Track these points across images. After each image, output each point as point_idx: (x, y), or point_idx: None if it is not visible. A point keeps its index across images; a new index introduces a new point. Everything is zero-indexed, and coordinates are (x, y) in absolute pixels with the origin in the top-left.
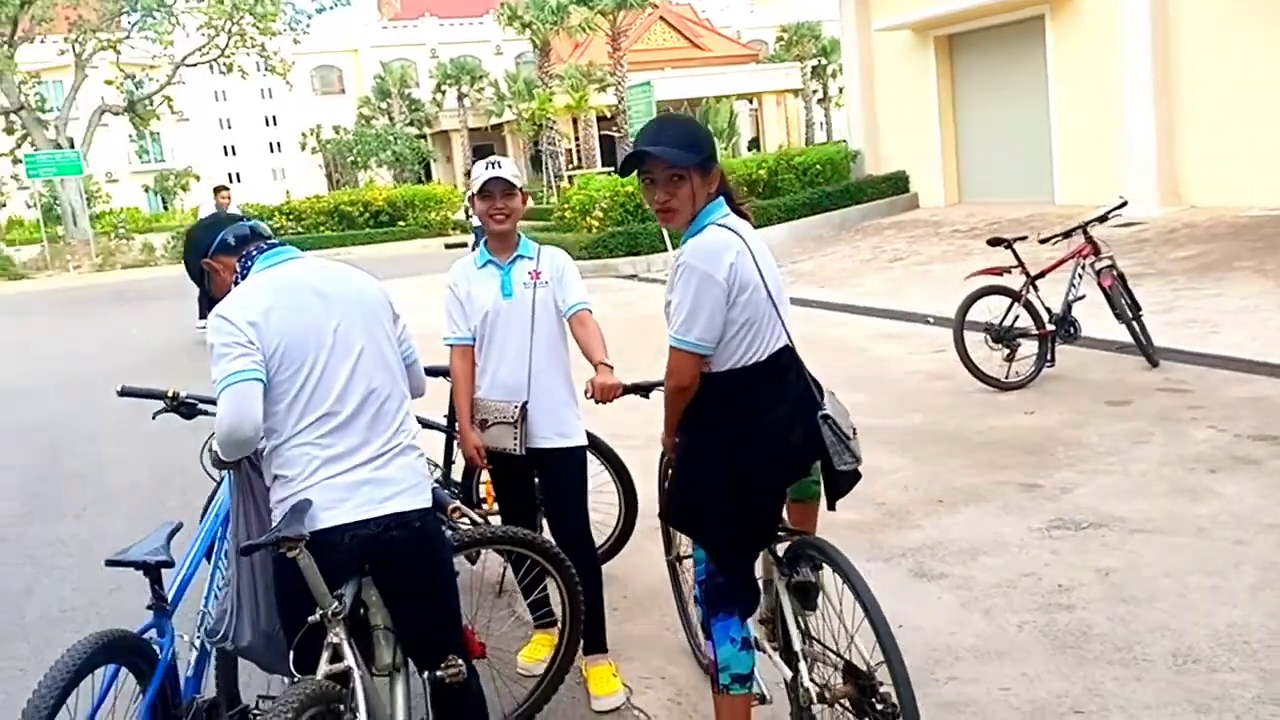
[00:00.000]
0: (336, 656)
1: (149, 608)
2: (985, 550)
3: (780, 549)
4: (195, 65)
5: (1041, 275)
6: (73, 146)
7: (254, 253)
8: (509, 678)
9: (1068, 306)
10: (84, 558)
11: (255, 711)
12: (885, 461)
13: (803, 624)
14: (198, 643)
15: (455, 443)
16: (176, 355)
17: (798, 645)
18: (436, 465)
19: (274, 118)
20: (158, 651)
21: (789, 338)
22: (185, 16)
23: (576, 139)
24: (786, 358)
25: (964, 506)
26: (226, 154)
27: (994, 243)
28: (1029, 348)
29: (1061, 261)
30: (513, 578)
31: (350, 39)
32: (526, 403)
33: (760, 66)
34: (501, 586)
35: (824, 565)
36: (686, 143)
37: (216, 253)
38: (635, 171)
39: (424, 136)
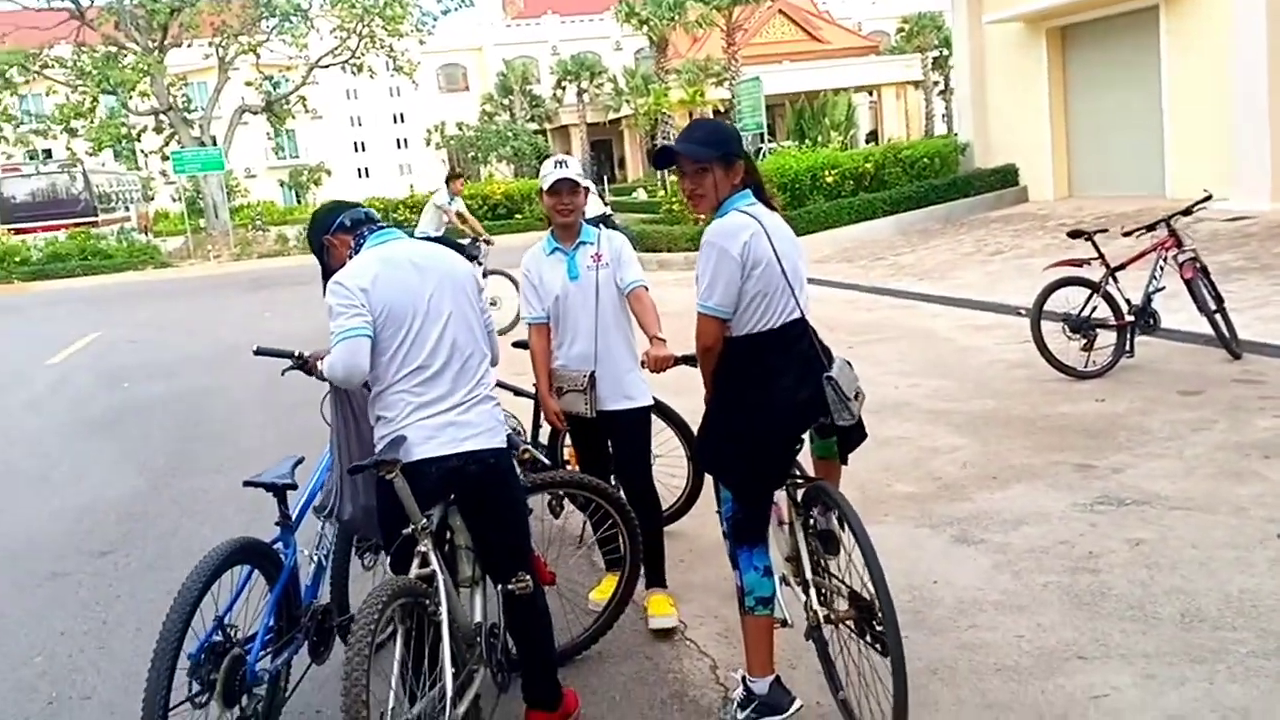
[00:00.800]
0: (424, 563)
1: (276, 524)
2: (1027, 521)
3: (799, 494)
4: (328, 66)
5: (1122, 267)
6: (215, 144)
7: (365, 233)
8: (581, 610)
9: (1147, 298)
10: (221, 506)
11: None
12: (948, 441)
13: (818, 560)
14: (315, 558)
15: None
16: (305, 333)
17: (809, 575)
18: (521, 430)
19: (401, 115)
20: (283, 560)
21: (801, 311)
22: (319, 20)
23: None
24: (798, 328)
25: (1016, 483)
26: (356, 150)
27: (1074, 235)
28: (1107, 338)
29: (1143, 254)
30: (590, 532)
31: (475, 38)
32: (594, 371)
33: (880, 59)
34: (581, 539)
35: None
36: (710, 140)
37: (335, 231)
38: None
39: (543, 132)
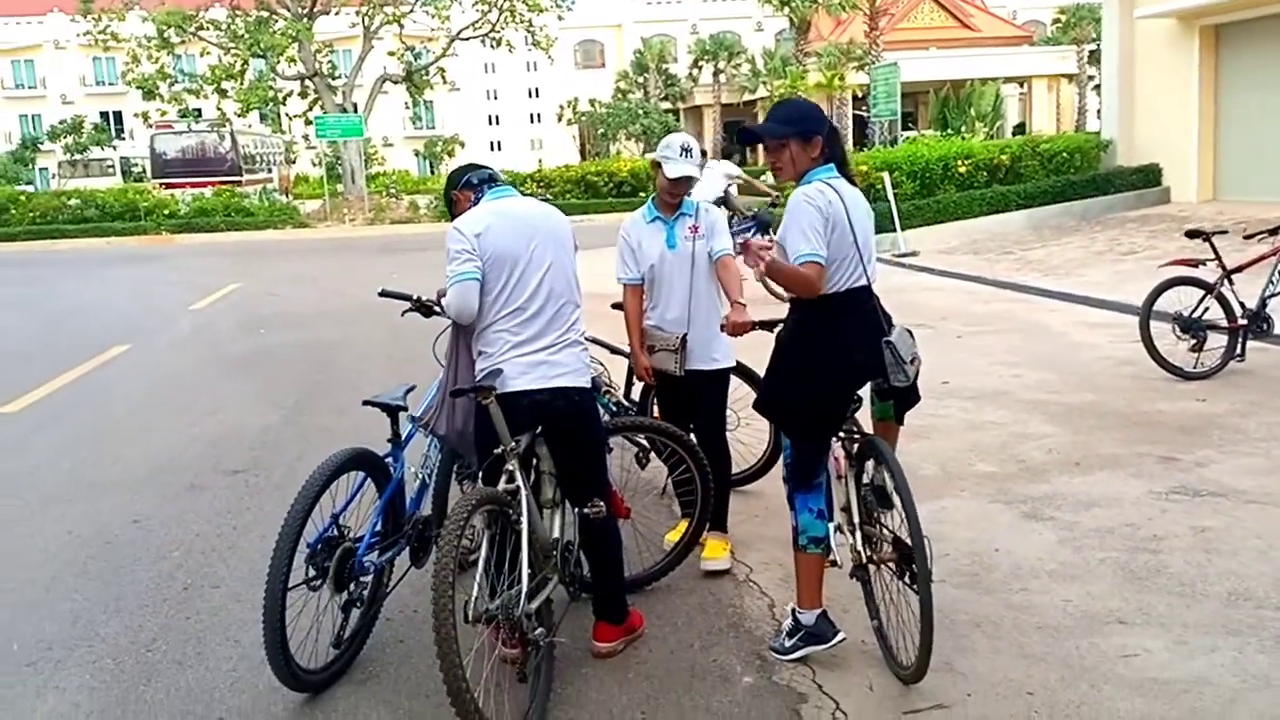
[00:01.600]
0: (510, 479)
1: (388, 440)
2: (1099, 504)
3: (854, 449)
4: (468, 39)
5: (1239, 270)
6: (356, 111)
7: (484, 189)
8: (655, 548)
9: (1263, 303)
10: (342, 440)
11: None
12: (1039, 429)
13: (868, 510)
14: (421, 476)
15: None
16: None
17: (858, 523)
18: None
19: (536, 90)
20: (392, 472)
21: (868, 279)
22: None
23: (830, 117)
24: (863, 294)
25: (1098, 470)
26: (491, 123)
27: (1192, 235)
28: (1218, 340)
29: (1262, 257)
30: (671, 487)
31: (614, 14)
32: (686, 334)
33: (1033, 49)
34: (664, 491)
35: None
36: (788, 119)
37: (462, 188)
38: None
39: (676, 111)
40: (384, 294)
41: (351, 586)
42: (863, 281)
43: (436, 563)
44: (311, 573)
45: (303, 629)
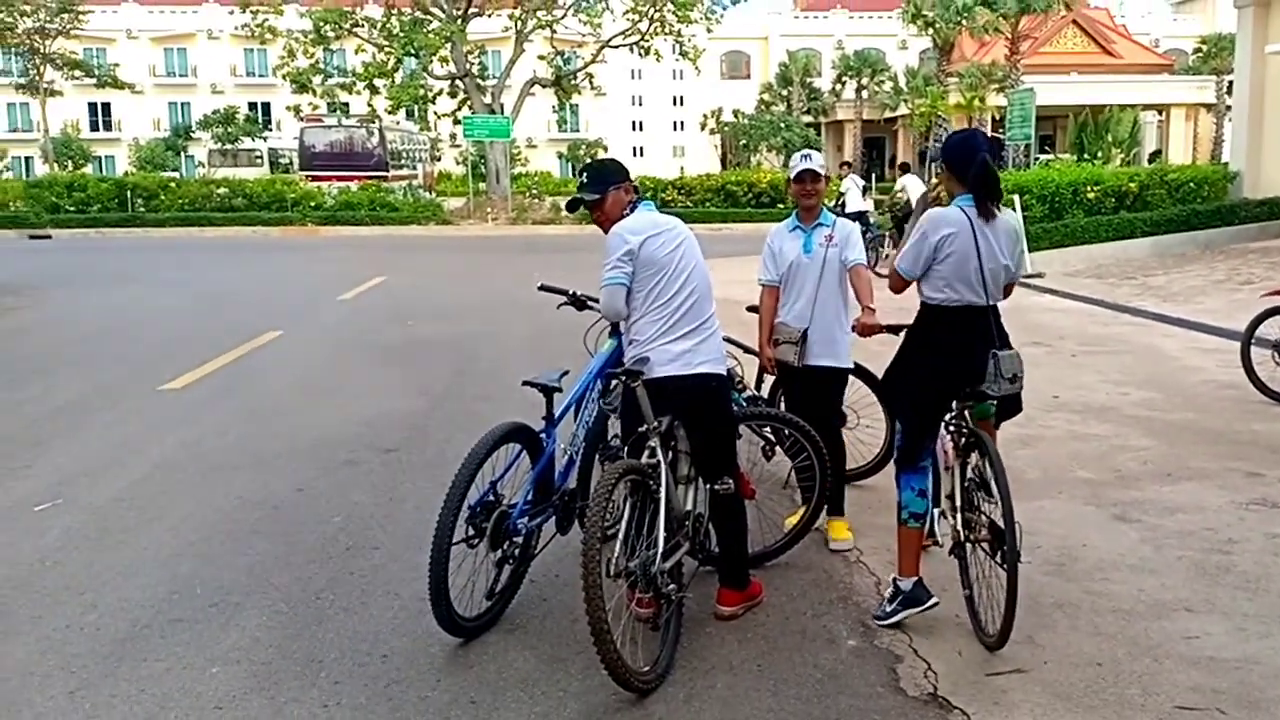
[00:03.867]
0: (652, 454)
1: (543, 418)
2: (1184, 510)
3: (961, 443)
4: (618, 47)
5: None
6: (504, 112)
7: (638, 199)
8: (777, 529)
9: None
10: (490, 424)
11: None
12: (1138, 442)
13: (970, 497)
14: (568, 453)
15: None
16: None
17: (959, 504)
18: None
19: (681, 98)
20: (545, 447)
21: (987, 301)
22: (615, 3)
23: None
24: (977, 313)
25: (1187, 481)
26: (634, 129)
27: None
28: None
29: None
30: (794, 478)
31: (761, 27)
32: (807, 330)
33: (1172, 78)
34: (786, 482)
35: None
36: (945, 150)
37: (627, 185)
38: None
39: (817, 125)
40: (543, 288)
41: (505, 546)
42: (979, 301)
43: (587, 520)
44: (470, 531)
45: (458, 584)
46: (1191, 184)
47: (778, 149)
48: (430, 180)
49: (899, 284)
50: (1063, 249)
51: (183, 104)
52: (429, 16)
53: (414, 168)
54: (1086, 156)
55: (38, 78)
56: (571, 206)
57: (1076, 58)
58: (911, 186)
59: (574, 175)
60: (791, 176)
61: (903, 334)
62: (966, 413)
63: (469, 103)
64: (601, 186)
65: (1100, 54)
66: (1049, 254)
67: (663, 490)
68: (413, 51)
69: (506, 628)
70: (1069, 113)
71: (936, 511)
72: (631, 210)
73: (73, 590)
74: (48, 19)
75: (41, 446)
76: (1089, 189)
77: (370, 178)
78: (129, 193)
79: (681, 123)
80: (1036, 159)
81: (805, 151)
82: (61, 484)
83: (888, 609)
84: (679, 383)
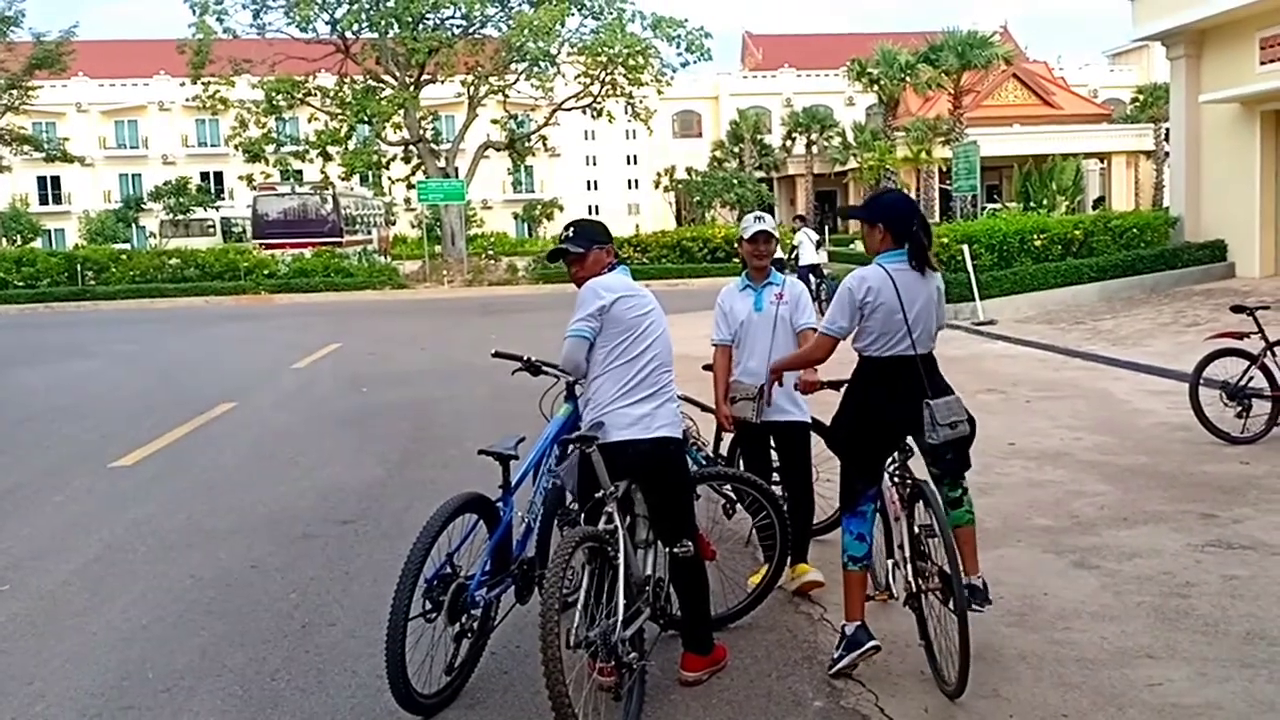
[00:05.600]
0: (610, 520)
1: (499, 487)
2: (1141, 554)
3: (906, 493)
4: (570, 109)
5: None
6: (458, 176)
7: (615, 262)
8: (739, 589)
9: None
10: (447, 492)
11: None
12: (1093, 488)
13: (918, 546)
14: (526, 520)
15: None
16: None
17: (909, 554)
18: (696, 431)
19: (634, 157)
20: (502, 516)
21: (914, 350)
22: (566, 67)
23: (917, 190)
24: (906, 363)
25: (1143, 525)
26: (589, 188)
27: (1237, 309)
28: (1263, 407)
29: None
30: (756, 536)
31: (712, 87)
32: (763, 385)
33: (1112, 127)
34: (748, 540)
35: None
36: (864, 205)
37: (607, 246)
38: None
39: (769, 180)
40: (497, 355)
41: (463, 619)
42: (909, 352)
43: (544, 589)
44: (428, 605)
45: (416, 660)
46: (1135, 230)
47: (731, 204)
48: (385, 244)
49: (827, 345)
50: (1013, 296)
51: (134, 175)
52: (381, 84)
53: (369, 232)
54: (1032, 205)
55: None
56: (553, 256)
57: (1018, 110)
58: (805, 244)
59: (529, 235)
60: (745, 237)
61: (843, 389)
62: (910, 464)
63: (423, 167)
64: (586, 243)
65: (1041, 105)
66: (999, 301)
67: (621, 556)
68: (366, 119)
69: (467, 703)
70: (1013, 163)
71: (890, 563)
72: (609, 271)
73: (19, 680)
74: None
75: None
76: (1036, 237)
77: (325, 244)
78: (79, 266)
79: (636, 181)
80: (984, 209)
81: (758, 214)
82: (8, 569)
83: (835, 654)
84: (637, 446)
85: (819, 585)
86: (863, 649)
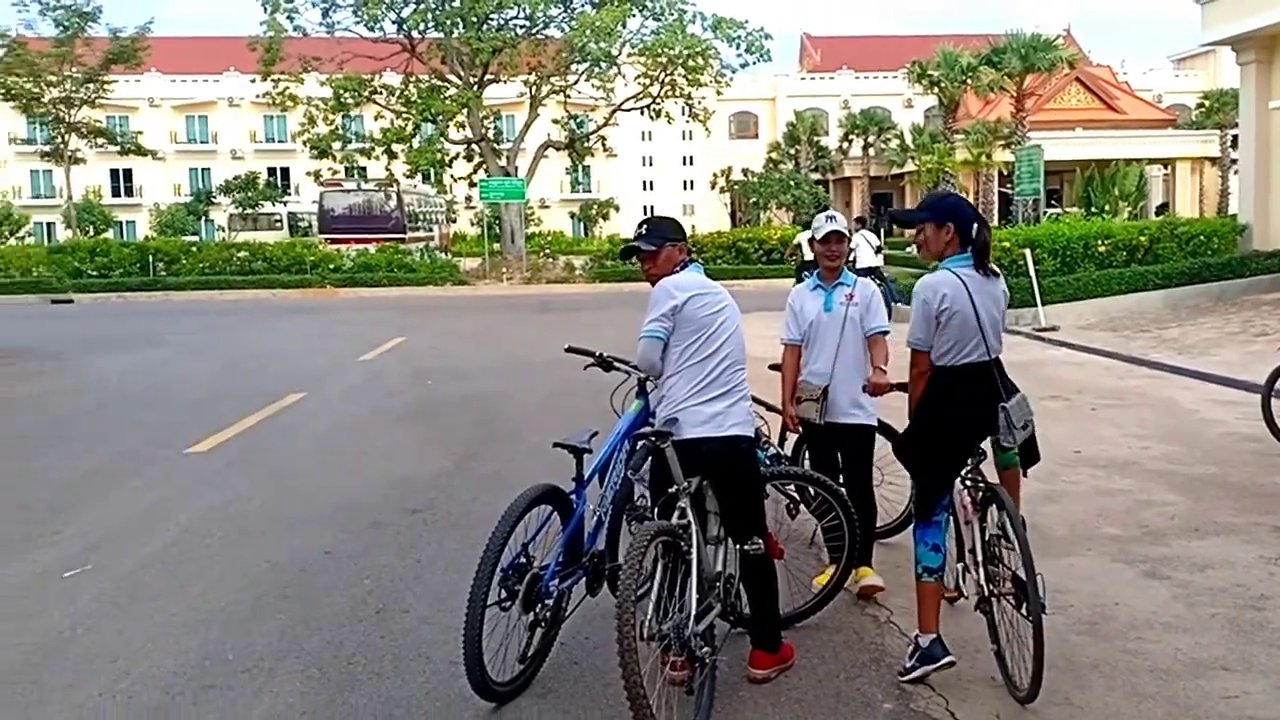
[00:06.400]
0: (682, 515)
1: (572, 480)
2: (1213, 566)
3: (979, 497)
4: (629, 110)
5: None
6: (518, 175)
7: (687, 259)
8: (805, 589)
9: None
10: (513, 487)
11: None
12: (1162, 497)
13: (991, 550)
14: (598, 514)
15: None
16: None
17: (981, 558)
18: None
19: (690, 157)
20: (575, 508)
21: (990, 356)
22: (627, 67)
23: (976, 193)
24: (984, 369)
25: (1214, 536)
26: (645, 189)
27: None
28: None
29: None
30: (820, 535)
31: (769, 88)
32: (829, 386)
33: (1177, 133)
34: (812, 540)
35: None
36: (925, 207)
37: (680, 244)
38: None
39: (825, 183)
40: (570, 350)
41: (537, 608)
42: (984, 358)
43: (622, 581)
44: (503, 594)
45: (491, 648)
46: (1201, 237)
47: (788, 206)
48: (446, 241)
49: (923, 360)
50: (1075, 302)
51: (203, 169)
52: (446, 83)
53: (430, 229)
54: (1094, 210)
55: (62, 146)
56: (625, 254)
57: (1081, 113)
58: (864, 246)
59: (585, 234)
60: (818, 237)
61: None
62: (982, 467)
63: (484, 166)
64: (659, 240)
65: (1104, 110)
66: (1061, 307)
67: (694, 551)
68: (430, 117)
69: (538, 692)
70: (1075, 167)
71: (960, 567)
72: (681, 269)
73: (105, 657)
74: (73, 89)
75: (69, 513)
76: (1100, 243)
77: (388, 239)
78: (151, 257)
79: (691, 182)
80: (1045, 213)
81: (830, 213)
82: (90, 550)
83: (908, 664)
84: (710, 444)
85: (879, 590)
86: (938, 664)
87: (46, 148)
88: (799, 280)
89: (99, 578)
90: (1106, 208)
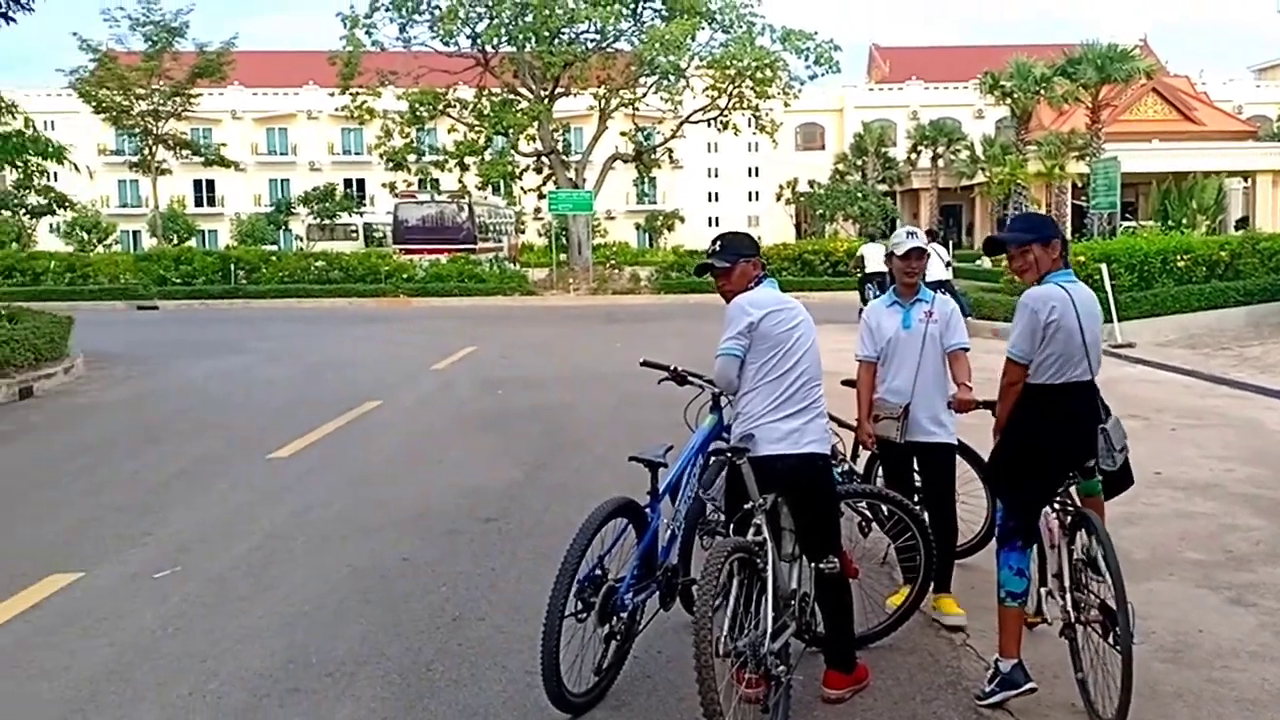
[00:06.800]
0: (758, 532)
1: (647, 493)
2: None
3: (1067, 521)
4: (697, 123)
5: None
6: (586, 186)
7: (762, 275)
8: (878, 609)
9: None
10: (582, 498)
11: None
12: (1247, 521)
13: (1078, 576)
14: (671, 528)
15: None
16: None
17: (1067, 583)
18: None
19: (756, 169)
20: (650, 522)
21: (1092, 375)
22: (695, 80)
23: (1049, 206)
24: (1085, 388)
25: None
26: (710, 200)
27: None
28: None
29: None
30: (893, 553)
31: (836, 99)
32: (909, 405)
33: (1258, 144)
34: (885, 558)
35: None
36: (1029, 228)
37: (755, 259)
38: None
39: (893, 194)
40: (645, 364)
41: (613, 621)
42: (1085, 376)
43: (699, 596)
44: (579, 606)
45: (567, 659)
46: None
47: (854, 218)
48: (515, 252)
49: (1016, 373)
50: (1153, 319)
51: (282, 180)
52: (518, 97)
53: (500, 240)
54: (1171, 224)
55: (149, 157)
56: (699, 271)
57: (1158, 125)
58: (934, 259)
59: (650, 245)
60: (898, 253)
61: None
62: (1073, 490)
63: (553, 178)
64: (733, 257)
65: (1182, 121)
66: (1139, 324)
67: (769, 569)
68: (502, 130)
69: (612, 704)
70: (1151, 179)
71: (1044, 591)
72: (756, 285)
73: (194, 657)
74: (161, 102)
75: (159, 514)
76: (1179, 258)
77: (459, 250)
78: (232, 265)
79: (757, 193)
80: (1120, 227)
81: (910, 229)
82: (180, 551)
83: (986, 689)
84: (786, 461)
85: (961, 630)
86: (1019, 690)
87: (134, 159)
88: (862, 292)
89: (188, 579)
90: (1184, 221)
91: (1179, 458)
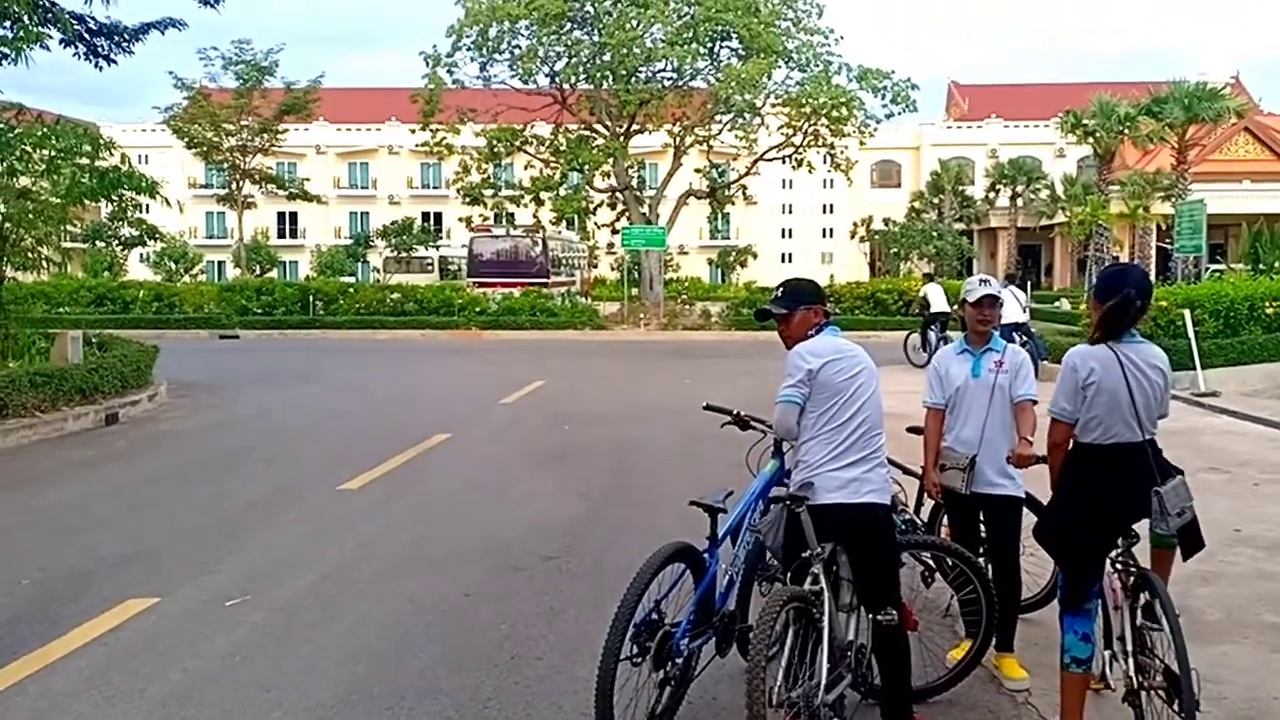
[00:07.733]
0: (815, 581)
1: (706, 538)
2: None
3: (1129, 582)
4: (771, 160)
5: None
6: (659, 222)
7: (824, 323)
8: (938, 663)
9: None
10: (645, 537)
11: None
12: None
13: (1142, 639)
14: (729, 574)
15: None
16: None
17: (1130, 647)
18: (905, 497)
19: (830, 206)
20: (708, 567)
21: (1142, 436)
22: (770, 117)
23: (1132, 248)
24: (1133, 449)
25: None
26: (784, 236)
27: None
28: None
29: None
30: (956, 605)
31: (913, 137)
32: (976, 456)
33: None
34: (947, 610)
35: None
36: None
37: (816, 306)
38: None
39: (969, 233)
40: (708, 408)
41: (668, 666)
42: (1135, 438)
43: (753, 644)
44: (634, 650)
45: (620, 703)
46: None
47: (930, 257)
48: (587, 286)
49: (1061, 432)
50: (1239, 367)
51: (362, 213)
52: (594, 133)
53: (572, 274)
54: (1262, 268)
55: (236, 191)
56: (760, 316)
57: (1249, 165)
58: (1011, 302)
59: (722, 280)
60: (970, 300)
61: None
62: (1134, 550)
63: (627, 213)
64: (792, 304)
65: (1275, 160)
66: (1223, 372)
67: (826, 618)
68: (577, 166)
69: None
70: (1241, 221)
71: (1108, 654)
72: (817, 332)
73: (260, 686)
74: (249, 138)
75: (232, 542)
76: (1268, 304)
77: (532, 284)
78: (311, 296)
79: (830, 230)
80: (1207, 270)
81: (984, 276)
82: (251, 579)
83: None
84: (844, 510)
85: (1025, 690)
86: None
87: (222, 192)
88: (925, 334)
89: (257, 607)
90: (1276, 265)
91: (1261, 515)
